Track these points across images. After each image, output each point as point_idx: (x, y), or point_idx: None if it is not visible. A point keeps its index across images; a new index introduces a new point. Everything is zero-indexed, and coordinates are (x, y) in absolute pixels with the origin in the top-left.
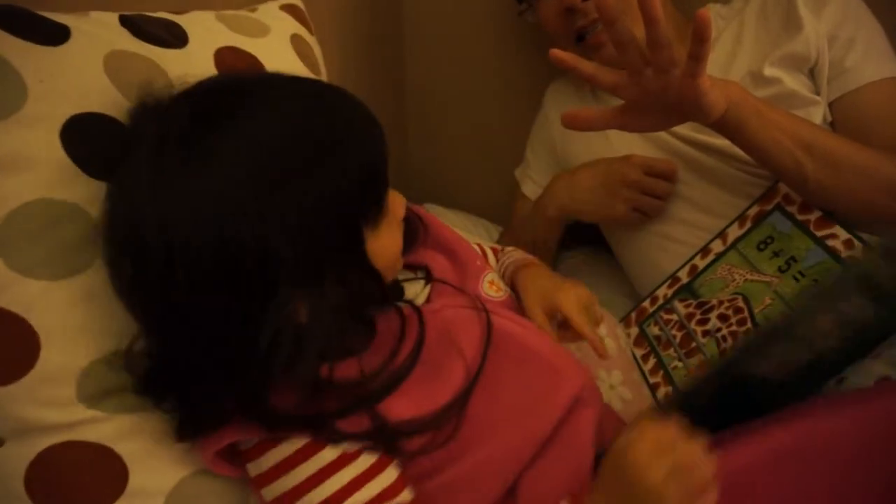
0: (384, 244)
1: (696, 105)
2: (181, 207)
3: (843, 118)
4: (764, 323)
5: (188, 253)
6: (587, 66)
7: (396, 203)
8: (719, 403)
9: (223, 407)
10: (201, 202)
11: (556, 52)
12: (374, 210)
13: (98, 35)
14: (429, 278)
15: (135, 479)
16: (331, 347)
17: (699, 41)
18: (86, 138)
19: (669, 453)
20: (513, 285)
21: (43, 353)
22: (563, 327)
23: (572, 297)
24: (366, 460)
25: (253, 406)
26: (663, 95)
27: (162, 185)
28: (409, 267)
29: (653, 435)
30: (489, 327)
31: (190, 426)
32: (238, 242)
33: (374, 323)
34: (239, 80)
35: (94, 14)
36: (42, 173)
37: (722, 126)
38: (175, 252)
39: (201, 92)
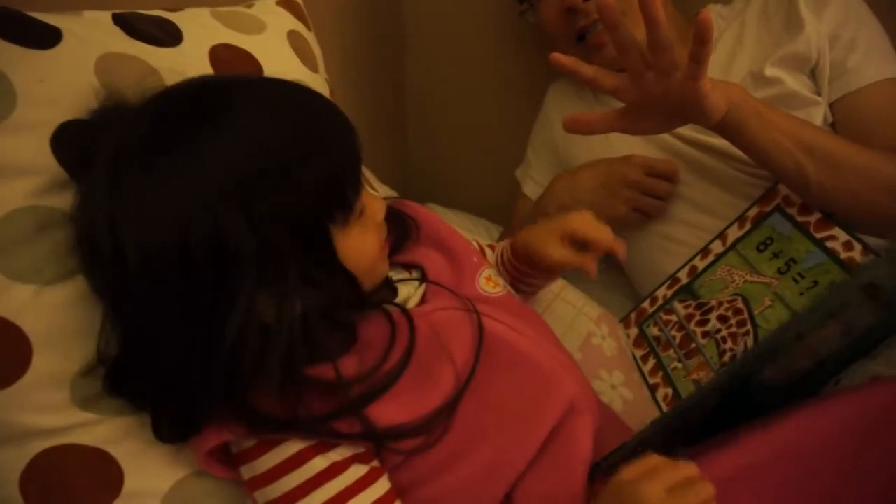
0: (356, 245)
1: (697, 107)
2: (141, 212)
3: (844, 119)
4: (769, 335)
5: (149, 256)
6: (587, 70)
7: (374, 206)
8: (719, 405)
9: (196, 408)
10: (160, 206)
11: (557, 56)
12: (341, 210)
13: (90, 37)
14: (423, 279)
15: (130, 482)
16: (298, 347)
17: (701, 43)
18: (76, 145)
19: (683, 496)
20: (516, 252)
21: (35, 358)
22: (582, 250)
23: (579, 218)
24: (356, 471)
25: (232, 405)
26: (665, 98)
27: (121, 190)
28: (403, 266)
29: (665, 475)
30: (480, 331)
31: (165, 427)
32: (197, 243)
33: (355, 327)
34: (205, 83)
35: (87, 13)
36: (32, 181)
37: (723, 128)
38: (136, 255)
39: (168, 96)
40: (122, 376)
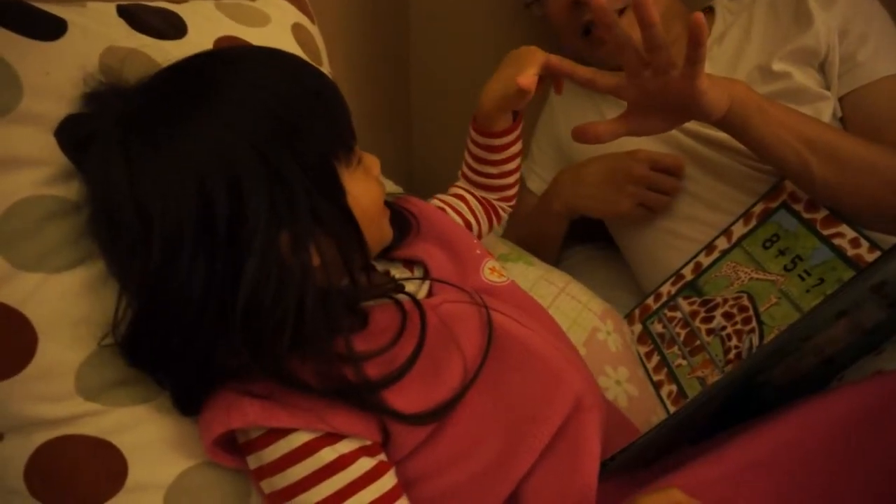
0: (360, 190)
1: (695, 105)
2: (160, 170)
3: (853, 113)
4: (779, 336)
5: (170, 208)
6: (584, 72)
7: (369, 160)
8: (725, 404)
9: (213, 362)
10: (177, 159)
11: (552, 60)
12: (343, 149)
13: (95, 29)
14: (426, 276)
15: (134, 473)
16: (312, 294)
17: (695, 44)
18: (81, 136)
19: None
20: (475, 123)
21: (40, 347)
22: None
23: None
24: (363, 465)
25: (248, 351)
26: (663, 95)
27: (134, 158)
28: (405, 264)
29: None
30: (490, 326)
31: (186, 391)
32: (215, 185)
33: (367, 313)
34: (203, 53)
35: (91, 4)
36: (38, 171)
37: (726, 124)
38: (159, 211)
39: (168, 70)
40: (140, 337)
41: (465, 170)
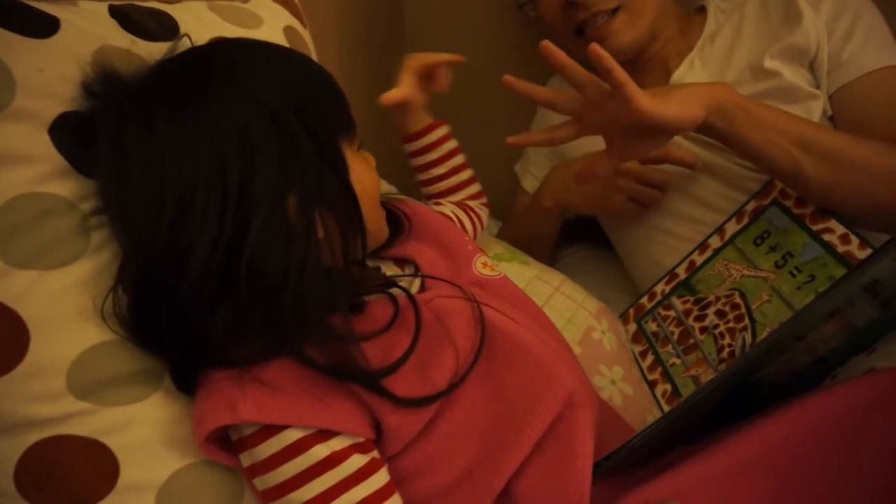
0: (360, 171)
1: (653, 123)
2: (173, 136)
3: (842, 110)
4: (772, 334)
5: (183, 172)
6: (543, 93)
7: (366, 153)
8: (719, 403)
9: (216, 336)
10: (191, 124)
11: (508, 81)
12: (348, 130)
13: (87, 28)
14: (418, 274)
15: (126, 473)
16: (315, 261)
17: (604, 72)
18: (76, 136)
19: None
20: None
21: (33, 345)
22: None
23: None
24: (355, 462)
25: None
26: (616, 123)
27: (151, 119)
28: (396, 262)
29: None
30: (482, 320)
31: (185, 365)
32: (231, 147)
33: (363, 304)
34: (208, 43)
35: (83, 3)
36: (33, 168)
37: (710, 131)
38: (170, 173)
39: (173, 60)
40: (145, 301)
41: (423, 185)
